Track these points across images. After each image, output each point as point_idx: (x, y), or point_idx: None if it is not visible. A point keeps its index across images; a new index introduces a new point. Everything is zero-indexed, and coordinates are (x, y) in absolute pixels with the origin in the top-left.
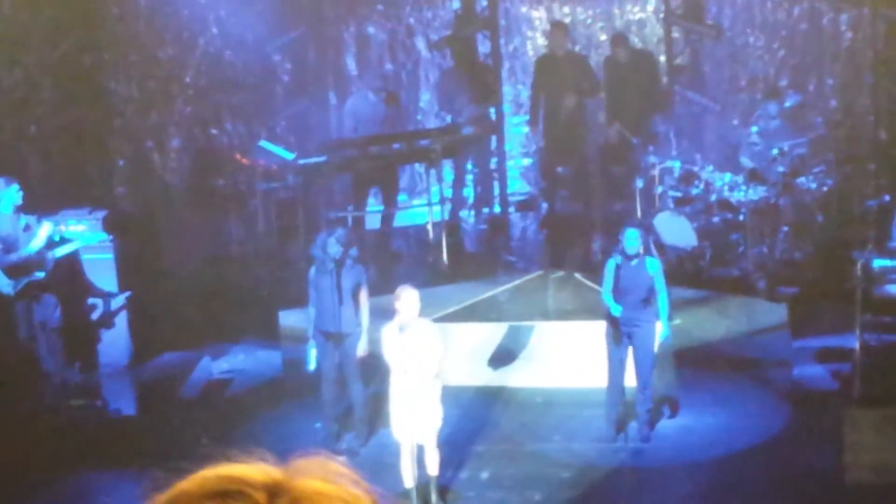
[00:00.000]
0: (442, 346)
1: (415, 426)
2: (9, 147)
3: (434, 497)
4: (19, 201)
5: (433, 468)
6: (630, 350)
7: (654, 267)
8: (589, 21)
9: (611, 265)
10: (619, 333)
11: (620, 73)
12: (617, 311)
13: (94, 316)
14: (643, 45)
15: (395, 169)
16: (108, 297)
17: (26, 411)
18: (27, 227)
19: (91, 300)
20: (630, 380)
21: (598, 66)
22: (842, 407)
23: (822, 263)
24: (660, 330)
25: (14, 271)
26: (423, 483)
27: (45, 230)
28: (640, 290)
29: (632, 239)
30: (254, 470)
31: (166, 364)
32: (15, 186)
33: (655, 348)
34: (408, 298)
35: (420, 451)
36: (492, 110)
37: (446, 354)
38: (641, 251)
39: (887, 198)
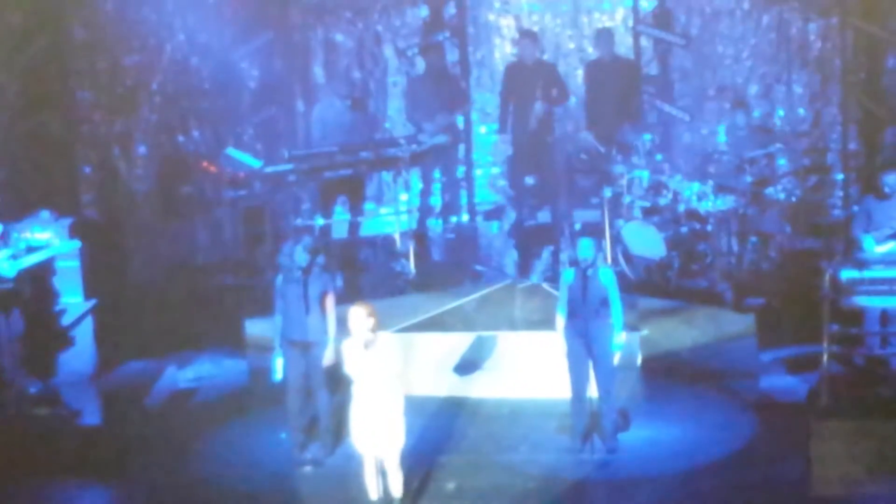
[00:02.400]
0: (399, 362)
1: (376, 441)
2: None
3: None
4: None
5: (396, 489)
6: (590, 361)
7: (607, 277)
8: (557, 29)
9: (566, 276)
10: (578, 344)
11: (601, 77)
12: (558, 326)
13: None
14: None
15: (362, 177)
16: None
17: None
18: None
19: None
20: (593, 390)
21: (567, 75)
22: (808, 418)
23: (789, 274)
24: (617, 340)
25: None
26: (388, 499)
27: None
28: (594, 300)
29: (585, 249)
30: None
31: (131, 373)
32: None
33: (615, 359)
34: (354, 316)
35: (383, 465)
36: (460, 118)
37: (405, 369)
38: (595, 261)
39: (855, 208)
